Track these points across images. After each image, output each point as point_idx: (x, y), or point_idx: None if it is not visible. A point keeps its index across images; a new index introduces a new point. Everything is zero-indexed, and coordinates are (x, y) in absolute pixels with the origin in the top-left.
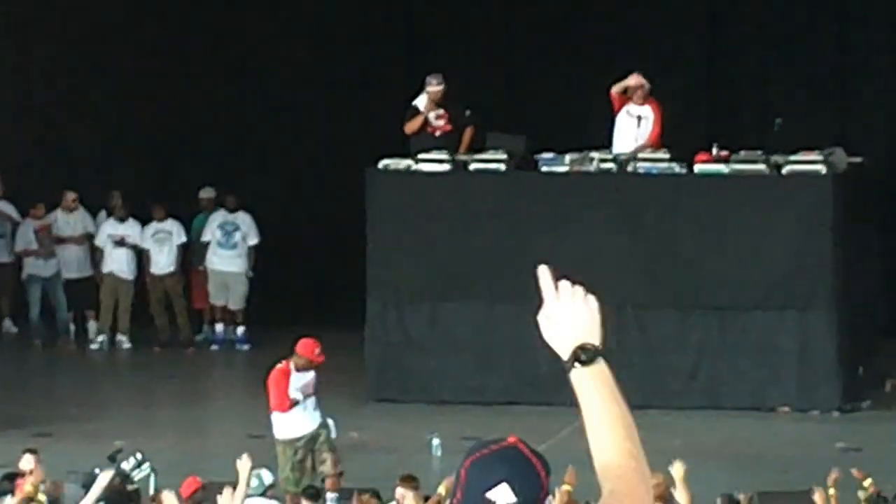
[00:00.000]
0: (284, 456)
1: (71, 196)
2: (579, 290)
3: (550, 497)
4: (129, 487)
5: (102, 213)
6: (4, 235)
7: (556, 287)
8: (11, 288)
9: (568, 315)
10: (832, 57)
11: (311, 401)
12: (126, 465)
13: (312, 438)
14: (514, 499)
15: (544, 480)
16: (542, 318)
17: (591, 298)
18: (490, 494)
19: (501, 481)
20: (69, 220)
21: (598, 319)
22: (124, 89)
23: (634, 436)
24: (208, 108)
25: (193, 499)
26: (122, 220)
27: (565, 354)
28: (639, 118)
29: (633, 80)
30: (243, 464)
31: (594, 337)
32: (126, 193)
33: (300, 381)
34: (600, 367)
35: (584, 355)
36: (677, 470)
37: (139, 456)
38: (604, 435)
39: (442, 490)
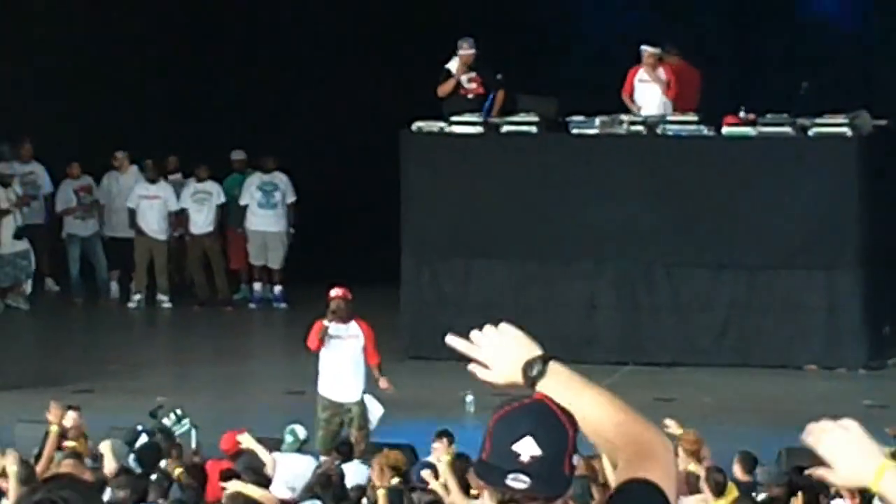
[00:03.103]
0: (316, 409)
1: (119, 155)
2: (488, 328)
3: (577, 457)
4: (169, 438)
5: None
6: (37, 197)
7: (470, 341)
8: (49, 248)
9: (496, 352)
10: (857, 23)
11: (350, 373)
12: (167, 421)
13: (344, 409)
14: (540, 451)
15: (571, 436)
16: (479, 371)
17: (502, 325)
18: (516, 447)
19: (526, 434)
20: (119, 179)
21: (520, 334)
22: (160, 53)
23: (624, 406)
24: (246, 73)
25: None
26: (153, 181)
27: (520, 381)
28: (661, 82)
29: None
30: (247, 441)
31: (530, 350)
32: (162, 154)
33: (335, 330)
34: (555, 369)
35: (534, 370)
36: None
37: (179, 412)
38: (598, 419)
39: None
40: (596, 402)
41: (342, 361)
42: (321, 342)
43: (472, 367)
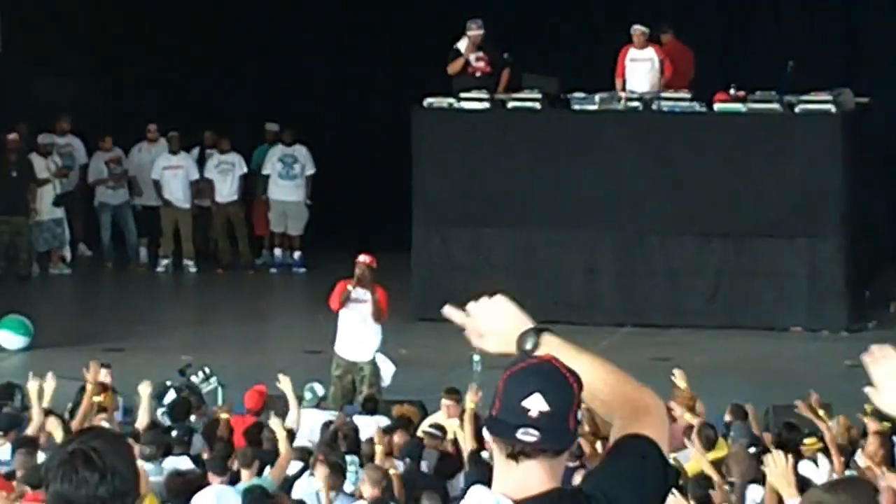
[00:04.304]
0: (332, 366)
1: (153, 128)
2: (483, 300)
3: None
4: (196, 395)
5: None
6: (73, 167)
7: (465, 311)
8: (82, 214)
9: (490, 322)
10: (841, 6)
11: (365, 334)
12: (195, 379)
13: (357, 368)
14: (548, 407)
15: (576, 393)
16: (475, 336)
17: (497, 297)
18: (525, 403)
19: (535, 391)
20: (151, 151)
21: (513, 307)
22: (186, 33)
23: (615, 368)
24: (271, 52)
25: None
26: (174, 152)
27: (513, 351)
28: (650, 61)
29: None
30: (284, 383)
31: (522, 322)
32: (184, 126)
33: (355, 294)
34: (548, 340)
35: (529, 343)
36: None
37: (207, 370)
38: (592, 382)
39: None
40: (590, 366)
41: (358, 323)
42: (342, 304)
43: (467, 334)
